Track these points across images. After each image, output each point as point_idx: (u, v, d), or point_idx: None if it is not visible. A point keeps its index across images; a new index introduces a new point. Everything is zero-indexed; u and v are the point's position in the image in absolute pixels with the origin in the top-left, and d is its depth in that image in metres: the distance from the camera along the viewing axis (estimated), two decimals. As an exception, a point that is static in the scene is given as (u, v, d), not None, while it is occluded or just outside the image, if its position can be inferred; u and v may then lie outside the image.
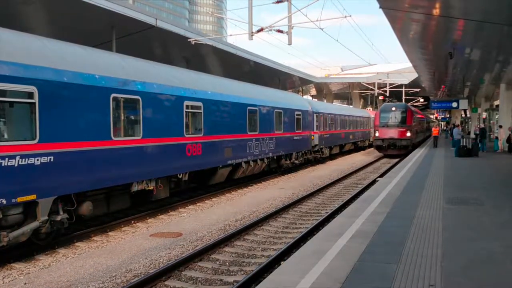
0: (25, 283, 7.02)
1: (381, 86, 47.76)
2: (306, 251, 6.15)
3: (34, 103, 7.91)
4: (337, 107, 35.60)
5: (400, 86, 47.24)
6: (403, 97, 49.19)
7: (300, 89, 53.61)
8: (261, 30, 16.01)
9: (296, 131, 21.81)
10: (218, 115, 14.58)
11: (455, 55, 17.65)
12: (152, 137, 11.18)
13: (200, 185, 15.50)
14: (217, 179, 15.17)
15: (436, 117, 76.73)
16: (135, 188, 10.84)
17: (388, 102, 42.31)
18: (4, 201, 7.32)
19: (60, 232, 9.20)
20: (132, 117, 10.75)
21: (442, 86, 33.53)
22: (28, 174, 7.71)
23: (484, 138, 27.78)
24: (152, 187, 11.44)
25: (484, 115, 40.29)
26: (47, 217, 8.23)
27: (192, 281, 7.12)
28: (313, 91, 59.95)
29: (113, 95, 9.85)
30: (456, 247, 6.21)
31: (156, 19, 18.71)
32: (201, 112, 13.51)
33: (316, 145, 25.66)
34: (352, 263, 5.50)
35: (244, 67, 31.31)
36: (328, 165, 26.69)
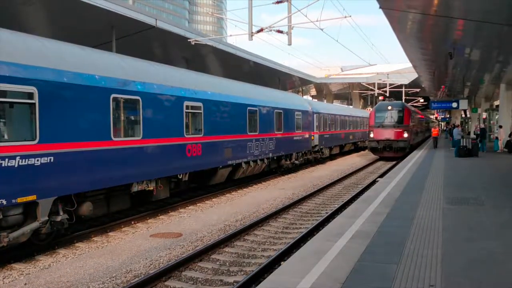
0: (25, 284, 7.02)
1: (381, 86, 47.77)
2: (306, 251, 6.15)
3: (34, 104, 7.92)
4: (337, 107, 35.58)
5: (400, 86, 47.25)
6: (403, 97, 49.19)
7: (300, 89, 53.60)
8: (261, 30, 16.01)
9: (296, 132, 21.81)
10: (218, 115, 14.58)
11: (455, 55, 17.65)
12: (152, 138, 11.18)
13: (200, 185, 15.50)
14: (217, 180, 15.17)
15: (436, 117, 76.68)
16: (135, 188, 10.84)
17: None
18: (4, 202, 7.32)
19: (60, 233, 9.20)
20: (132, 118, 10.75)
21: (442, 86, 33.50)
22: (28, 174, 7.71)
23: (484, 138, 27.77)
24: (152, 188, 11.44)
25: (484, 115, 40.28)
26: (47, 218, 8.23)
27: (192, 282, 7.12)
28: (313, 92, 59.95)
29: (113, 95, 9.85)
30: (456, 247, 6.21)
31: (156, 19, 18.72)
32: (201, 113, 13.51)
33: (316, 145, 25.65)
34: (352, 264, 5.50)
35: (244, 68, 31.31)
36: (328, 166, 26.69)
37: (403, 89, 47.65)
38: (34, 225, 8.02)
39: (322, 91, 58.84)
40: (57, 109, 8.40)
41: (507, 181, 13.35)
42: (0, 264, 7.89)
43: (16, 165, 7.49)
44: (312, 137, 24.79)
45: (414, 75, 36.32)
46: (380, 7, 11.05)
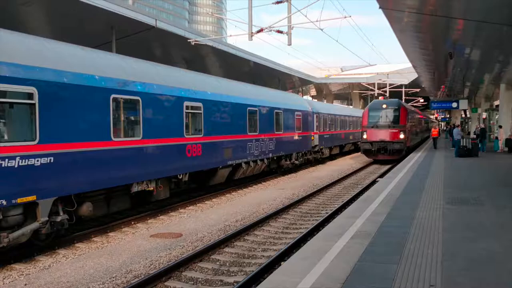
0: (25, 284, 7.02)
1: (381, 86, 47.78)
2: (306, 251, 6.15)
3: (34, 104, 7.92)
4: (337, 108, 35.56)
5: (400, 86, 47.26)
6: (403, 97, 49.19)
7: (300, 89, 53.61)
8: (261, 30, 16.01)
9: (296, 132, 21.81)
10: (218, 115, 14.58)
11: (455, 55, 17.66)
12: (152, 138, 11.18)
13: (200, 185, 15.51)
14: (217, 180, 15.17)
15: (436, 117, 76.68)
16: (135, 188, 10.84)
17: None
18: (4, 202, 7.32)
19: (60, 233, 9.20)
20: (132, 118, 10.75)
21: (442, 86, 33.50)
22: (28, 175, 7.71)
23: (484, 138, 27.77)
24: (152, 188, 11.44)
25: (484, 115, 40.29)
26: (47, 218, 8.23)
27: (192, 282, 7.12)
28: (313, 92, 59.96)
29: (113, 95, 9.85)
30: (456, 247, 6.21)
31: (156, 19, 18.72)
32: (201, 113, 13.51)
33: (316, 145, 25.66)
34: (352, 264, 5.50)
35: (244, 68, 31.32)
36: (328, 166, 26.70)
37: (403, 89, 47.66)
38: (34, 225, 8.02)
39: (322, 91, 58.86)
40: (57, 110, 8.40)
41: (507, 181, 13.35)
42: (0, 265, 7.89)
43: (16, 166, 7.49)
44: (312, 137, 24.79)
45: (414, 75, 36.29)
46: (380, 7, 11.05)
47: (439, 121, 79.83)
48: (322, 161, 28.02)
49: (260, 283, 5.15)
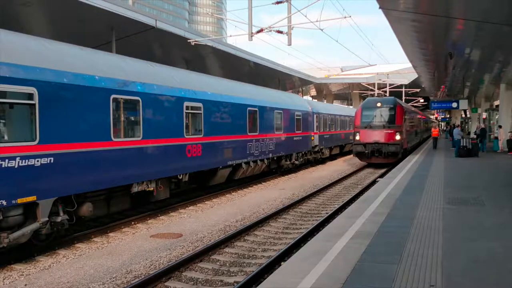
0: (25, 285, 7.02)
1: (381, 86, 47.78)
2: (306, 251, 6.15)
3: (34, 104, 7.92)
4: (337, 108, 35.56)
5: (400, 86, 47.24)
6: (403, 97, 49.18)
7: (300, 89, 53.59)
8: (261, 30, 16.01)
9: (296, 132, 21.81)
10: (218, 116, 14.59)
11: (455, 55, 17.66)
12: (152, 138, 11.18)
13: (200, 186, 15.50)
14: (217, 180, 15.17)
15: (436, 117, 76.66)
16: (135, 189, 10.84)
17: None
18: (4, 202, 7.32)
19: (60, 233, 9.20)
20: (132, 118, 10.75)
21: (442, 86, 33.48)
22: (28, 175, 7.71)
23: (484, 138, 27.77)
24: (152, 188, 11.44)
25: (484, 115, 40.29)
26: (47, 218, 8.23)
27: (192, 282, 7.12)
28: (313, 92, 59.94)
29: (113, 96, 9.85)
30: (457, 247, 6.21)
31: (156, 20, 18.71)
32: (201, 113, 13.51)
33: (316, 145, 25.66)
34: (352, 264, 5.50)
35: (244, 68, 31.30)
36: (328, 166, 26.69)
37: (403, 89, 47.65)
38: (34, 225, 8.02)
39: (322, 91, 58.84)
40: (57, 110, 8.40)
41: (507, 181, 13.35)
42: (0, 265, 7.89)
43: (16, 166, 7.49)
44: (312, 138, 24.79)
45: (414, 75, 36.26)
46: (380, 7, 11.05)
47: (439, 121, 79.76)
48: (322, 161, 28.01)
49: (260, 283, 5.15)
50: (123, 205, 11.33)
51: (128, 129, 10.62)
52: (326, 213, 12.34)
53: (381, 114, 24.57)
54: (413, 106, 50.08)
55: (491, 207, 9.21)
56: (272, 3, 15.57)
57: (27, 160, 7.70)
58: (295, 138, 21.63)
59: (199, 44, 20.52)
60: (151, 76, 11.52)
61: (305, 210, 12.98)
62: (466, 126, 53.33)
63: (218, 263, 8.07)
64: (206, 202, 14.15)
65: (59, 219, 8.61)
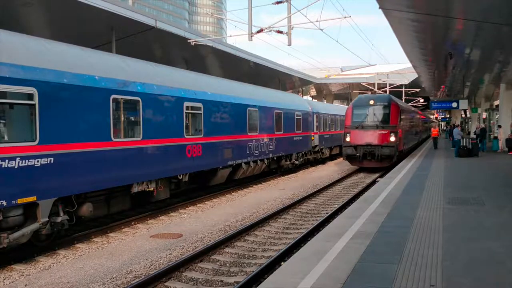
0: (25, 285, 7.02)
1: (381, 86, 47.75)
2: (306, 251, 6.15)
3: (34, 105, 7.92)
4: (337, 108, 35.55)
5: (400, 86, 47.23)
6: (403, 97, 49.17)
7: (300, 89, 53.59)
8: (260, 31, 16.00)
9: (296, 132, 21.82)
10: (218, 116, 14.59)
11: (455, 55, 17.66)
12: (152, 138, 11.18)
13: (200, 186, 15.50)
14: (218, 180, 15.17)
15: (436, 117, 76.62)
16: (135, 189, 10.84)
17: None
18: (4, 203, 7.32)
19: (60, 234, 9.21)
20: (132, 118, 10.75)
21: (442, 86, 33.47)
22: (28, 175, 7.71)
23: (484, 138, 27.76)
24: (152, 188, 11.44)
25: (484, 115, 40.28)
26: (47, 219, 8.23)
27: (192, 282, 7.12)
28: (313, 92, 59.92)
29: (113, 96, 9.85)
30: (457, 247, 6.21)
31: (155, 20, 18.70)
32: (201, 113, 13.51)
33: (316, 145, 25.65)
34: (352, 264, 5.50)
35: (244, 68, 31.28)
36: (328, 166, 26.69)
37: (403, 89, 47.64)
38: (34, 226, 8.02)
39: (322, 91, 58.82)
40: (57, 110, 8.40)
41: (507, 181, 13.35)
42: (1, 265, 7.89)
43: (16, 166, 7.49)
44: (312, 138, 24.79)
45: (414, 75, 36.24)
46: (380, 7, 11.05)
47: (439, 121, 79.70)
48: (322, 161, 28.01)
49: (260, 284, 5.15)
50: (123, 205, 11.33)
51: (128, 129, 10.62)
52: (326, 213, 12.34)
53: (374, 113, 22.34)
54: (413, 106, 49.97)
55: (491, 207, 9.21)
56: (272, 3, 15.56)
57: (27, 161, 7.71)
58: (295, 138, 21.63)
59: (199, 44, 20.51)
60: (151, 76, 11.52)
61: (305, 210, 12.98)
62: (466, 126, 53.30)
63: (218, 263, 8.07)
64: (206, 202, 14.15)
65: (59, 219, 8.61)
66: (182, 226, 10.86)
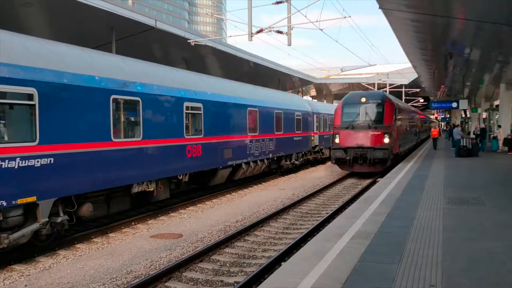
0: (25, 285, 7.02)
1: (381, 86, 47.76)
2: (306, 251, 6.15)
3: (34, 105, 7.92)
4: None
5: (400, 86, 47.25)
6: (403, 97, 49.18)
7: (300, 90, 53.60)
8: (260, 31, 16.00)
9: (296, 132, 21.82)
10: (218, 116, 14.59)
11: (455, 55, 17.66)
12: (152, 139, 11.18)
13: (200, 186, 15.50)
14: (218, 180, 15.17)
15: (436, 117, 76.59)
16: (136, 189, 10.84)
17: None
18: (4, 203, 7.32)
19: (60, 234, 9.20)
20: (132, 119, 10.75)
21: (442, 86, 33.47)
22: (28, 176, 7.71)
23: (484, 138, 27.76)
24: (152, 189, 11.44)
25: (484, 115, 40.27)
26: (47, 219, 8.23)
27: (192, 282, 7.12)
28: (313, 92, 59.94)
29: (113, 96, 9.85)
30: (457, 247, 6.21)
31: (155, 20, 18.71)
32: (201, 113, 13.51)
33: (316, 145, 25.65)
34: (352, 264, 5.50)
35: (243, 68, 31.28)
36: (328, 166, 26.68)
37: (403, 89, 47.65)
38: (35, 226, 8.02)
39: (322, 91, 58.84)
40: (57, 110, 8.40)
41: (507, 181, 13.35)
42: (1, 266, 7.89)
43: (16, 167, 7.49)
44: (312, 138, 24.79)
45: (414, 75, 36.25)
46: (380, 7, 11.05)
47: (439, 121, 79.64)
48: (322, 161, 28.00)
49: (260, 284, 5.15)
50: (123, 206, 11.33)
51: (128, 130, 10.62)
52: (326, 213, 12.34)
53: (366, 111, 20.15)
54: (413, 106, 49.93)
55: (491, 207, 9.21)
56: (272, 3, 15.56)
57: (27, 161, 7.70)
58: (295, 138, 21.63)
59: (199, 44, 20.51)
60: (151, 76, 11.52)
61: (305, 210, 12.98)
62: (466, 126, 53.28)
63: (218, 264, 8.07)
64: (206, 203, 14.15)
65: (59, 219, 8.61)
66: (182, 226, 10.86)
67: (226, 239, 9.23)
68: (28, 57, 7.99)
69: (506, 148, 25.48)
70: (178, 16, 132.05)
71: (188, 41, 19.47)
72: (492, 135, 31.06)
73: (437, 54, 18.74)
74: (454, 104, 28.07)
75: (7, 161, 7.34)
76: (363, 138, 19.65)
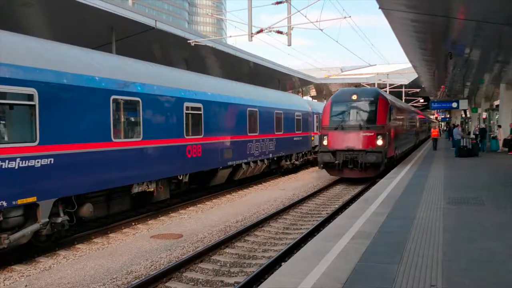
0: (25, 286, 7.02)
1: (381, 86, 47.74)
2: (307, 252, 6.15)
3: (34, 105, 7.92)
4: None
5: (400, 86, 47.27)
6: (403, 97, 49.19)
7: (300, 90, 53.62)
8: (260, 31, 16.00)
9: (296, 132, 21.82)
10: (218, 116, 14.59)
11: (455, 55, 17.67)
12: (152, 139, 11.18)
13: (200, 186, 15.50)
14: (218, 180, 15.17)
15: (436, 117, 76.58)
16: (136, 189, 10.84)
17: None
18: (4, 203, 7.32)
19: (60, 234, 9.20)
20: (132, 119, 10.76)
21: (442, 86, 33.48)
22: (28, 176, 7.71)
23: (484, 138, 27.76)
24: (152, 189, 11.44)
25: (484, 115, 40.26)
26: (47, 219, 8.23)
27: (193, 283, 7.12)
28: (313, 92, 59.95)
29: (113, 97, 9.86)
30: (457, 247, 6.21)
31: (155, 20, 18.71)
32: (201, 114, 13.52)
33: (316, 145, 25.63)
34: (353, 264, 5.50)
35: (243, 68, 31.28)
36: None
37: (403, 89, 47.67)
38: (35, 226, 8.02)
39: (322, 91, 58.85)
40: (57, 111, 8.40)
41: (507, 181, 13.35)
42: (1, 266, 7.89)
43: (16, 167, 7.49)
44: (312, 138, 24.79)
45: (414, 75, 36.27)
46: (380, 8, 11.06)
47: (439, 121, 79.60)
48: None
49: (260, 284, 5.15)
50: (123, 206, 11.33)
51: (128, 130, 10.62)
52: (327, 213, 12.34)
53: (358, 110, 18.08)
54: (413, 106, 49.91)
55: (491, 207, 9.21)
56: (272, 4, 15.57)
57: (27, 161, 7.71)
58: (295, 138, 21.63)
59: (199, 44, 20.51)
60: (151, 76, 11.52)
61: (305, 211, 12.98)
62: (466, 126, 53.27)
63: (218, 264, 8.06)
64: (206, 203, 14.15)
65: (59, 220, 8.61)
66: (182, 227, 10.86)
67: (226, 239, 9.23)
68: (28, 58, 7.99)
69: (506, 148, 25.48)
70: (178, 17, 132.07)
71: (188, 41, 19.47)
72: (491, 135, 31.07)
73: (437, 54, 18.75)
74: (454, 104, 28.07)
75: (7, 161, 7.34)
76: (353, 140, 17.61)
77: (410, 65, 25.17)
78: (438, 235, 6.94)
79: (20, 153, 7.58)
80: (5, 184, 7.32)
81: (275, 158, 19.61)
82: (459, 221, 7.95)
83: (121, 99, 10.17)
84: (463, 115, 60.02)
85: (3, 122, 7.59)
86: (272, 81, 38.25)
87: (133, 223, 11.18)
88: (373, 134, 17.46)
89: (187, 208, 13.26)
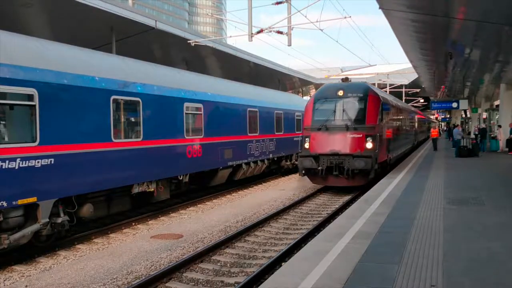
0: (26, 286, 7.02)
1: (381, 86, 47.74)
2: (307, 252, 6.15)
3: (34, 106, 7.93)
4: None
5: (400, 86, 47.27)
6: (403, 97, 49.18)
7: (300, 90, 53.62)
8: (261, 31, 16.00)
9: (297, 132, 21.81)
10: (218, 116, 14.59)
11: (455, 55, 17.66)
12: (153, 139, 11.19)
13: (200, 186, 15.50)
14: (218, 181, 15.17)
15: (436, 117, 76.56)
16: (136, 190, 10.84)
17: None
18: (4, 204, 7.32)
19: (61, 234, 9.20)
20: (133, 119, 10.76)
21: (442, 86, 33.47)
22: (28, 176, 7.72)
23: (484, 138, 27.75)
24: (152, 189, 11.44)
25: (484, 115, 40.24)
26: (48, 219, 8.24)
27: (193, 283, 7.12)
28: (313, 92, 59.98)
29: (113, 97, 9.86)
30: (457, 248, 6.21)
31: (155, 21, 18.71)
32: (201, 114, 13.52)
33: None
34: (353, 264, 5.49)
35: (244, 68, 31.28)
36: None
37: (403, 89, 47.67)
38: (35, 227, 8.03)
39: (322, 91, 58.81)
40: (58, 111, 8.40)
41: (508, 181, 13.35)
42: (1, 266, 7.89)
43: (16, 167, 7.49)
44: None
45: (414, 75, 36.25)
46: (380, 7, 11.05)
47: (439, 121, 79.54)
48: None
49: (261, 284, 5.14)
50: (123, 206, 11.33)
51: (128, 130, 10.63)
52: (327, 213, 12.33)
53: (344, 108, 15.52)
54: (413, 106, 49.88)
55: (492, 207, 9.21)
56: (272, 4, 15.56)
57: (27, 161, 7.71)
58: (295, 139, 21.63)
59: (199, 44, 20.51)
60: (151, 77, 11.52)
61: (305, 211, 12.97)
62: (467, 126, 53.27)
63: (218, 264, 8.06)
64: (206, 203, 14.15)
65: (59, 220, 8.61)
66: (182, 227, 10.86)
67: (226, 240, 9.23)
68: (28, 58, 7.99)
69: (506, 148, 25.47)
70: (178, 17, 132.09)
71: (188, 41, 19.47)
72: (491, 135, 31.06)
73: (437, 54, 18.74)
74: (454, 104, 28.05)
75: (7, 161, 7.34)
76: (339, 143, 15.13)
77: (410, 65, 25.17)
78: (438, 235, 6.94)
79: (20, 153, 7.59)
80: (5, 184, 7.32)
81: (275, 158, 19.61)
82: (459, 221, 7.95)
83: (121, 99, 10.17)
84: (463, 115, 60.01)
85: (3, 122, 7.59)
86: (272, 81, 38.24)
87: (133, 223, 11.18)
88: (361, 135, 15.06)
89: (187, 208, 13.27)
